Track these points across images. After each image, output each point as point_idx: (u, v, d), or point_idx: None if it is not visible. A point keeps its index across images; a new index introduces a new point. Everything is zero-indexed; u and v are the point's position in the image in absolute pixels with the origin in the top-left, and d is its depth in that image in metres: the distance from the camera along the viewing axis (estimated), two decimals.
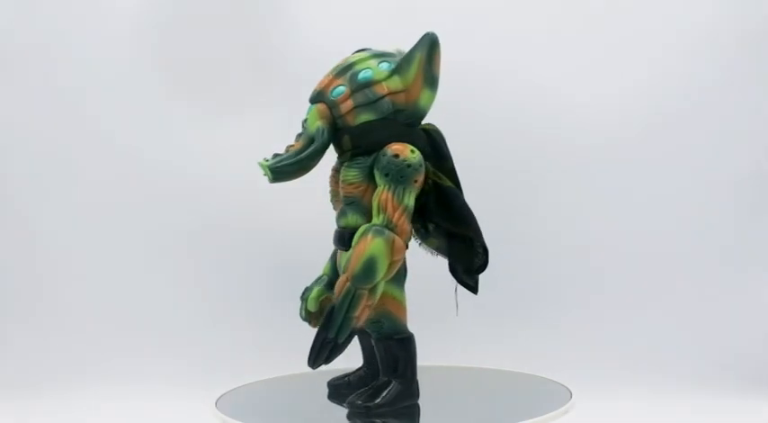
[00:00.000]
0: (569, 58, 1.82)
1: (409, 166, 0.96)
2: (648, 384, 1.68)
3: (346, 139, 1.00)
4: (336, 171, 1.04)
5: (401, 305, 1.01)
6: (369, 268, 0.94)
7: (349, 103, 0.99)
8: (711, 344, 1.75)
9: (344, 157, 1.02)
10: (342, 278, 0.96)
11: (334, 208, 1.05)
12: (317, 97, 1.01)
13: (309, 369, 0.98)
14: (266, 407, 1.13)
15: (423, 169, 0.98)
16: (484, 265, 1.02)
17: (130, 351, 1.78)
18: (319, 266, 1.10)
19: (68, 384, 1.74)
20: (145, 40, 1.84)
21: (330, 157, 1.04)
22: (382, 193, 0.96)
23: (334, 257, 1.07)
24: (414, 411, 1.00)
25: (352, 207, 1.00)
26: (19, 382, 1.75)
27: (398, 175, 0.96)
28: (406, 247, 1.01)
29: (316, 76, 1.03)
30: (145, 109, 1.85)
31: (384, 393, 0.98)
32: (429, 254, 1.06)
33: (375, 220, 0.96)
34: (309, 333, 0.98)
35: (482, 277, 1.05)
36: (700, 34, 1.80)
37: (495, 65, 1.80)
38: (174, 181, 1.83)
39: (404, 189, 0.96)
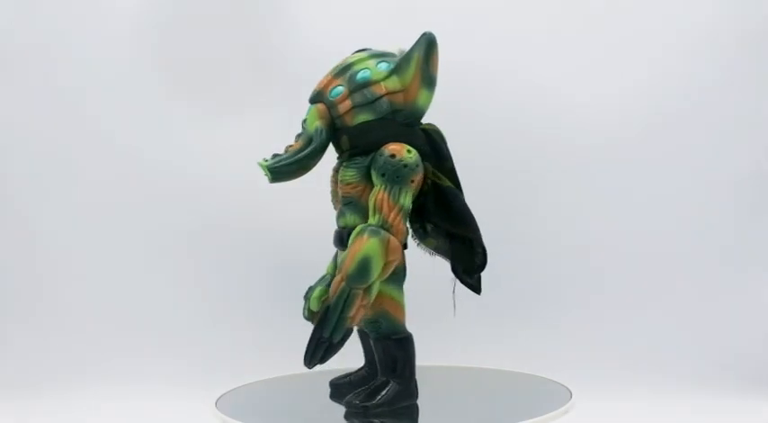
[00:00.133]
0: (569, 58, 1.82)
1: (405, 166, 0.96)
2: (648, 384, 1.68)
3: (345, 140, 1.00)
4: (337, 171, 1.04)
5: (399, 305, 1.01)
6: (363, 268, 0.94)
7: (347, 104, 0.99)
8: (711, 344, 1.75)
9: (343, 157, 1.02)
10: (337, 278, 0.96)
11: (335, 208, 1.06)
12: (316, 97, 1.02)
13: (310, 369, 0.98)
14: (266, 407, 1.13)
15: (419, 169, 0.98)
16: (482, 265, 1.02)
17: (130, 351, 1.78)
18: (319, 266, 1.10)
19: (68, 384, 1.74)
20: (145, 40, 1.84)
21: (331, 157, 1.04)
22: (378, 193, 0.96)
23: (336, 257, 1.07)
24: (413, 411, 1.00)
25: (351, 207, 1.00)
26: (19, 382, 1.75)
27: (395, 175, 0.96)
28: (405, 247, 1.01)
29: (316, 76, 1.03)
30: (145, 109, 1.85)
31: (382, 393, 0.98)
32: (427, 254, 1.06)
33: (371, 221, 0.96)
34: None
35: (482, 277, 1.05)
36: (700, 34, 1.80)
37: (495, 65, 1.80)
38: (174, 181, 1.83)
39: (400, 189, 0.96)
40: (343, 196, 1.01)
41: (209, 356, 1.76)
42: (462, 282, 1.04)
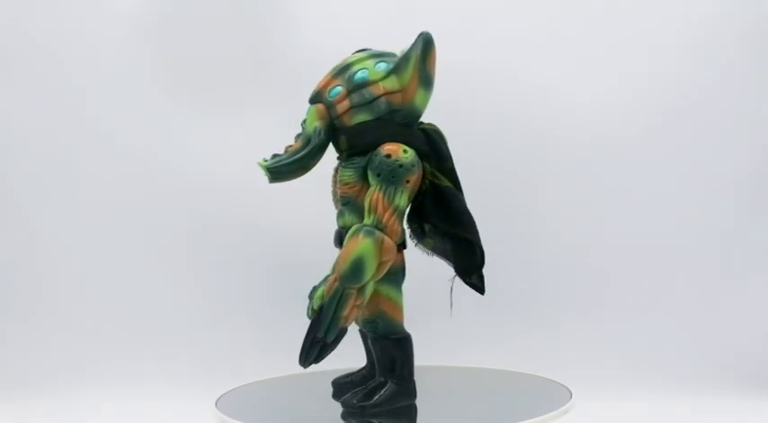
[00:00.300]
0: (569, 58, 1.82)
1: (401, 166, 0.96)
2: (648, 384, 1.68)
3: (343, 140, 1.00)
4: (337, 171, 1.04)
5: (397, 305, 1.01)
6: (357, 268, 0.94)
7: (345, 104, 0.99)
8: (711, 344, 1.75)
9: (342, 158, 1.02)
10: (331, 278, 0.96)
11: (336, 208, 1.06)
12: (315, 97, 1.02)
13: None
14: (266, 407, 1.13)
15: (415, 169, 0.97)
16: (481, 265, 1.02)
17: (130, 351, 1.78)
18: (319, 266, 1.09)
19: (68, 384, 1.74)
20: (145, 39, 1.84)
21: (332, 157, 1.04)
22: (374, 193, 0.96)
23: None
24: (411, 411, 1.00)
25: (349, 207, 1.00)
26: (19, 382, 1.75)
27: (390, 175, 0.96)
28: (404, 248, 1.01)
29: (316, 76, 1.03)
30: (145, 109, 1.85)
31: (380, 393, 0.98)
32: (425, 254, 1.06)
33: (366, 221, 0.96)
34: None
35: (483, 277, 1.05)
36: (700, 34, 1.80)
37: (495, 65, 1.80)
38: (174, 181, 1.83)
39: (395, 189, 0.96)
40: (341, 196, 1.01)
41: (209, 356, 1.76)
42: (466, 282, 1.04)
